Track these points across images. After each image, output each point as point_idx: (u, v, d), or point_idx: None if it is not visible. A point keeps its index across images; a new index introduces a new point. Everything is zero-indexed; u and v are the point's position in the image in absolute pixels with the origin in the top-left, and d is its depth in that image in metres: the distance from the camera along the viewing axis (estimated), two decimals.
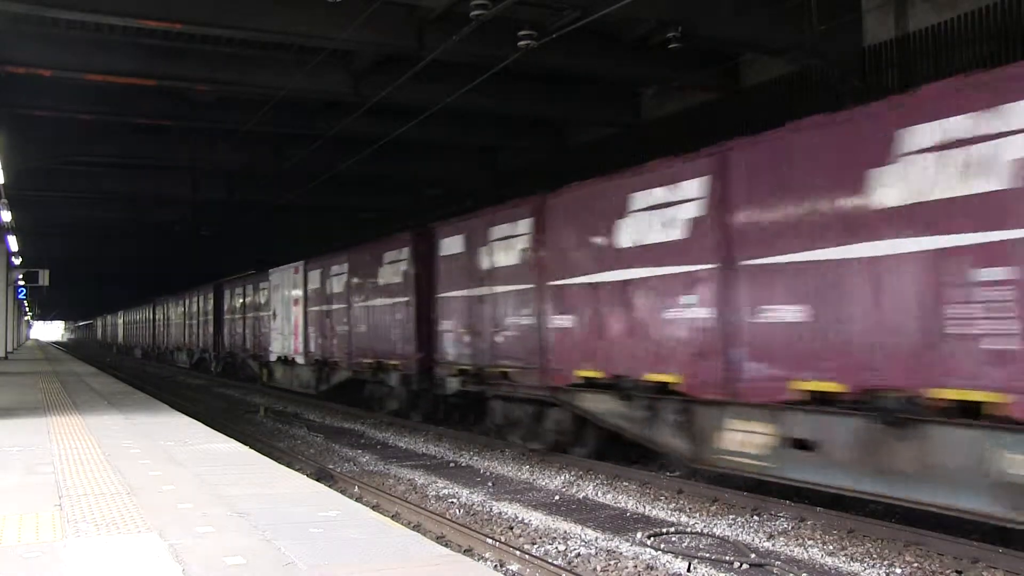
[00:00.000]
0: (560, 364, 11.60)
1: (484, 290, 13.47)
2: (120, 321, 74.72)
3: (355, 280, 18.78)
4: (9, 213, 24.97)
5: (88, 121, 19.22)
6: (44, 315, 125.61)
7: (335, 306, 19.87)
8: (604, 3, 10.64)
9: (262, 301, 26.82)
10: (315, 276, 21.44)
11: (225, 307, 32.53)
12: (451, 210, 18.37)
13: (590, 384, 11.07)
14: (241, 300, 29.70)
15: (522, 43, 12.45)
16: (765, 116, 15.03)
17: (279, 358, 24.39)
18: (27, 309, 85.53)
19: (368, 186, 27.35)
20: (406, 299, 16.07)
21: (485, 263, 13.50)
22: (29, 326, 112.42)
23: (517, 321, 12.59)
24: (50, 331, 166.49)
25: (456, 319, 14.32)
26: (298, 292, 22.58)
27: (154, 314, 51.68)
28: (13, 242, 32.69)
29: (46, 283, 40.36)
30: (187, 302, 40.10)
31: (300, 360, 22.30)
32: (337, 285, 19.84)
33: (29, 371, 27.84)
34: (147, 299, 54.37)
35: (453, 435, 14.93)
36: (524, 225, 12.53)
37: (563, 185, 12.46)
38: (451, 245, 14.61)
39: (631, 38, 14.90)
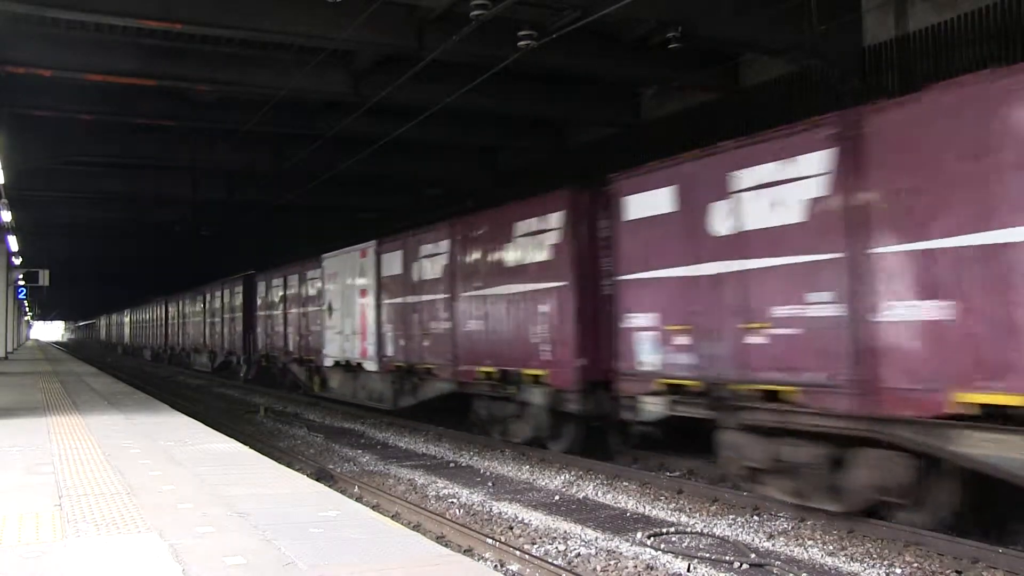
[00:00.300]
0: (911, 381, 7.29)
1: (720, 266, 9.15)
2: (127, 320, 69.15)
3: (464, 260, 14.21)
4: (9, 213, 24.97)
5: (88, 121, 19.22)
6: (44, 315, 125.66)
7: (428, 297, 15.30)
8: (604, 3, 10.64)
9: (311, 293, 21.95)
10: (393, 259, 16.90)
11: (259, 302, 27.62)
12: (451, 210, 18.20)
13: (990, 415, 6.79)
14: (281, 293, 24.88)
15: (522, 43, 12.46)
16: (765, 116, 15.12)
17: (337, 363, 19.79)
18: (27, 309, 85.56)
19: (368, 186, 27.34)
20: (558, 284, 11.82)
21: (722, 225, 9.14)
22: (29, 326, 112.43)
23: (800, 312, 8.21)
24: (50, 331, 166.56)
25: (663, 311, 9.97)
26: (366, 281, 18.12)
27: (166, 312, 46.76)
28: (13, 242, 32.70)
29: (46, 283, 40.35)
30: (208, 298, 35.28)
31: (371, 366, 17.73)
32: (431, 269, 15.28)
33: (29, 371, 27.85)
34: (158, 296, 49.63)
35: (453, 435, 14.92)
36: (814, 161, 8.10)
37: (562, 185, 12.36)
38: (648, 203, 10.25)
39: (631, 38, 14.90)
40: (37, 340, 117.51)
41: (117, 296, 71.85)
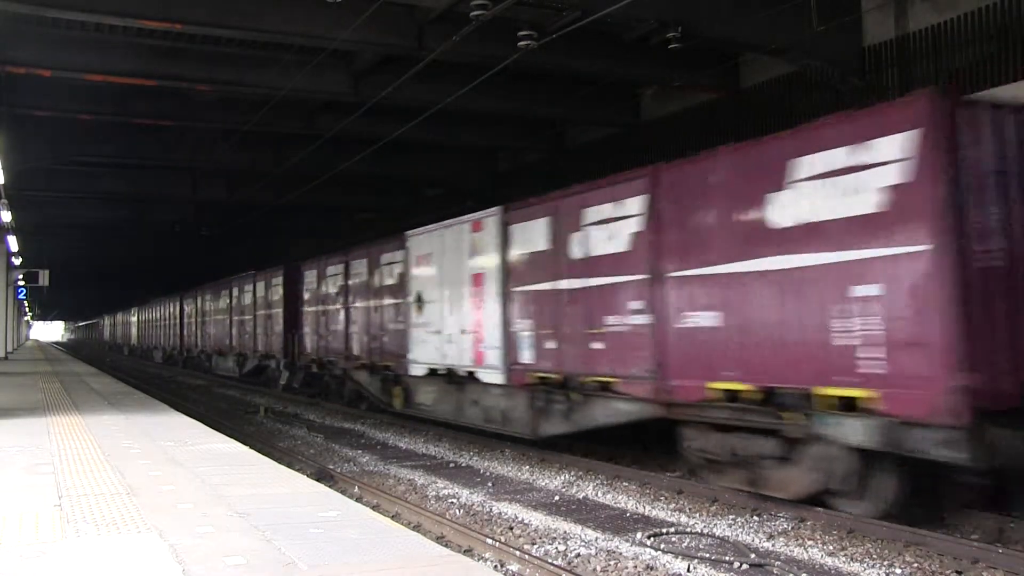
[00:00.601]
0: None
1: None
2: (134, 319, 63.22)
3: (677, 224, 9.75)
4: (9, 213, 25.00)
5: (88, 121, 19.23)
6: (44, 315, 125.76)
7: (603, 280, 10.86)
8: (604, 3, 10.65)
9: (389, 282, 17.32)
10: (531, 231, 12.43)
11: (307, 295, 22.53)
12: (452, 210, 18.07)
13: None
14: (341, 283, 19.98)
15: (522, 43, 12.47)
16: (765, 116, 15.14)
17: (433, 372, 15.22)
18: (27, 309, 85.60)
19: (368, 186, 27.39)
20: (905, 250, 7.46)
21: None
22: (29, 326, 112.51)
23: None
24: (50, 331, 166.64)
25: None
26: (484, 262, 13.61)
27: (181, 310, 41.57)
28: (13, 242, 32.74)
29: (46, 283, 40.37)
30: (235, 293, 30.39)
31: (492, 377, 13.31)
32: (608, 240, 10.81)
33: (29, 371, 27.86)
34: (172, 292, 44.74)
35: (453, 435, 14.91)
36: None
37: (562, 187, 12.23)
38: None
39: (631, 38, 14.91)
40: (37, 340, 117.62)
41: (118, 296, 71.75)
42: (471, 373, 13.93)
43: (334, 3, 11.44)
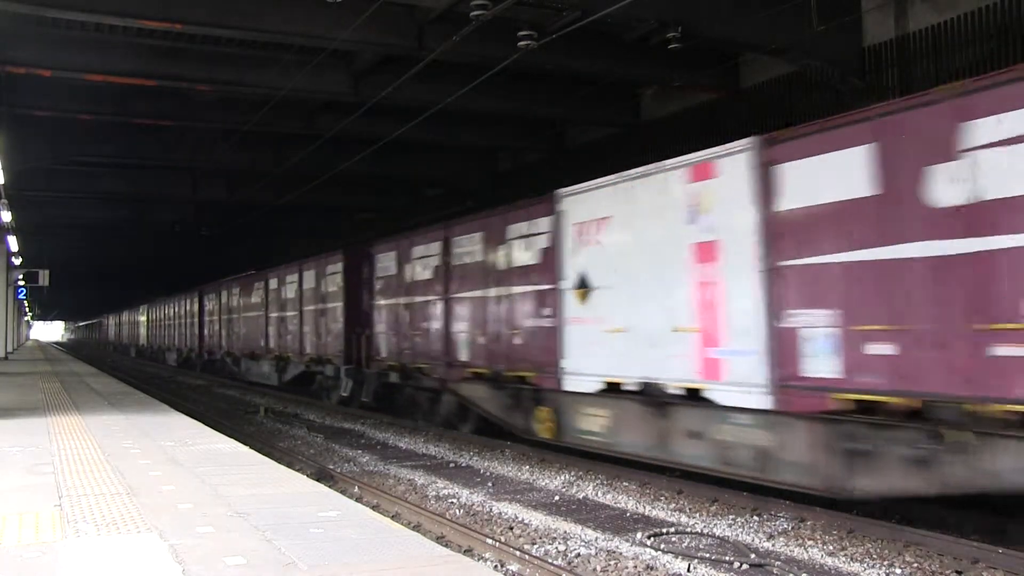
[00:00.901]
0: None
1: None
2: (143, 319, 57.62)
3: None
4: (9, 213, 24.99)
5: (88, 121, 19.23)
6: (44, 315, 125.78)
7: (1019, 239, 6.63)
8: (604, 3, 10.65)
9: (524, 261, 12.73)
10: (824, 170, 8.14)
11: (378, 284, 17.90)
12: (452, 210, 18.04)
13: None
14: (437, 265, 15.35)
15: (522, 43, 12.47)
16: (765, 116, 15.14)
17: (613, 386, 10.79)
18: (27, 309, 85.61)
19: (368, 186, 27.40)
20: None
21: None
22: (29, 326, 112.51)
23: None
24: (50, 331, 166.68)
25: None
26: (719, 224, 9.33)
27: (200, 307, 36.73)
28: (13, 242, 32.73)
29: (46, 283, 40.38)
30: (272, 285, 25.63)
31: (744, 398, 9.00)
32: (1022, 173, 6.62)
33: (29, 371, 27.86)
34: (191, 288, 39.49)
35: (453, 436, 14.91)
36: None
37: (563, 186, 12.23)
38: None
39: (631, 38, 14.91)
40: (37, 340, 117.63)
41: (118, 296, 71.68)
42: (693, 391, 9.57)
43: (334, 3, 11.44)
